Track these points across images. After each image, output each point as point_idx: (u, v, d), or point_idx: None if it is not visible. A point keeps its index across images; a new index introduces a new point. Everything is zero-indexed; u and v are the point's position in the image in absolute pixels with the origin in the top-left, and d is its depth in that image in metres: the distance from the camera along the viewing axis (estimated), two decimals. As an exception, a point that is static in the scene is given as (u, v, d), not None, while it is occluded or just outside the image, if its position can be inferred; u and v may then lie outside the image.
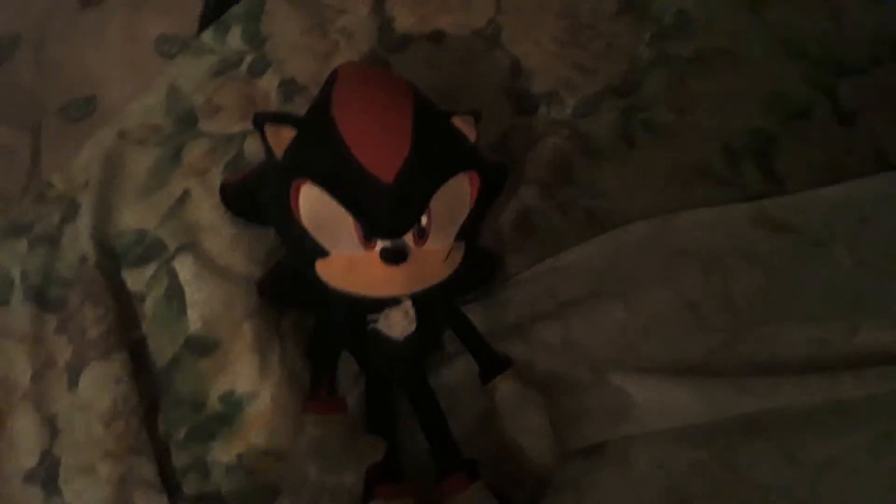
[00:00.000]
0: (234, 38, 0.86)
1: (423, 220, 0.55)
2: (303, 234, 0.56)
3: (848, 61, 0.89)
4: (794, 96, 0.85)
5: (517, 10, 0.89)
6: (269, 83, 0.83)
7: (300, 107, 0.80)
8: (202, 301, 0.69)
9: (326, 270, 0.57)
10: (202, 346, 0.68)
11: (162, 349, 0.69)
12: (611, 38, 0.88)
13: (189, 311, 0.69)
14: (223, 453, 0.65)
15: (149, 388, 0.67)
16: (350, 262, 0.56)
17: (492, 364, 0.63)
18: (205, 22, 0.89)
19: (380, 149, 0.55)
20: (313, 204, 0.55)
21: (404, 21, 0.88)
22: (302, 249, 0.57)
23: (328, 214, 0.54)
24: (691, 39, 0.89)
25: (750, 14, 0.92)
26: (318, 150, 0.56)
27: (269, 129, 0.58)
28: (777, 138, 0.82)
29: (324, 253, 0.56)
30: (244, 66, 0.84)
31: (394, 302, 0.60)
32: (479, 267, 0.71)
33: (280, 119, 0.59)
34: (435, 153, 0.57)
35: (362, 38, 0.86)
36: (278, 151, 0.58)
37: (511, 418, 0.61)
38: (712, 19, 0.91)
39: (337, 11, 0.88)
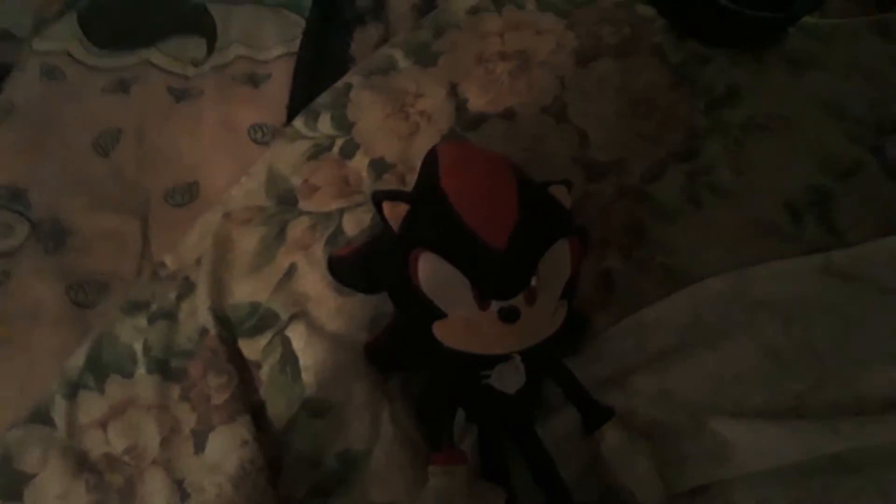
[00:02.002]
0: (325, 124, 0.94)
1: (533, 282, 0.60)
2: (422, 298, 0.61)
3: (888, 121, 0.95)
4: (842, 155, 0.91)
5: (579, 88, 0.96)
6: (359, 163, 0.90)
7: (390, 183, 0.87)
8: (315, 366, 0.75)
9: (444, 331, 0.61)
10: (317, 408, 0.73)
11: (280, 412, 0.74)
12: (668, 109, 0.95)
13: (303, 376, 0.74)
14: (342, 509, 0.68)
15: (269, 450, 0.72)
16: (467, 322, 0.60)
17: (595, 413, 0.67)
18: (291, 111, 0.97)
19: (491, 218, 0.60)
20: (432, 270, 0.60)
21: (477, 102, 0.95)
22: (420, 313, 0.62)
23: (446, 279, 0.59)
24: (743, 106, 0.95)
25: (792, 80, 0.99)
26: (434, 222, 0.62)
27: (387, 205, 0.64)
28: (833, 194, 0.87)
29: (441, 315, 0.60)
30: (335, 149, 0.92)
31: (504, 358, 0.65)
32: (571, 325, 0.75)
33: (395, 196, 0.65)
34: (540, 220, 0.62)
35: (441, 118, 0.93)
36: (395, 225, 0.64)
37: (619, 464, 0.65)
38: (759, 87, 0.98)
39: (415, 96, 0.96)
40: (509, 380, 0.65)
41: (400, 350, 0.73)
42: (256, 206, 0.87)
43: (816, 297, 0.77)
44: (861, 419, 0.69)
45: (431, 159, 0.69)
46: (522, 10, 1.04)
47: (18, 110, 1.00)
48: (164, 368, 0.77)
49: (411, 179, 0.86)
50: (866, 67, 1.01)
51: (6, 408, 0.77)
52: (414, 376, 0.75)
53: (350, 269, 0.75)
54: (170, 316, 0.80)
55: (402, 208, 0.63)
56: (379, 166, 0.89)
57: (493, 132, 0.92)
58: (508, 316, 0.59)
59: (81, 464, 0.72)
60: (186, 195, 0.92)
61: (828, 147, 0.92)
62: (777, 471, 0.67)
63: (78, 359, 0.78)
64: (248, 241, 0.84)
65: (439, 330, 0.61)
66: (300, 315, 0.78)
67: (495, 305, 0.59)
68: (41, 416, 0.75)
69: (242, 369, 0.76)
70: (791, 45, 1.03)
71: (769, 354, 0.73)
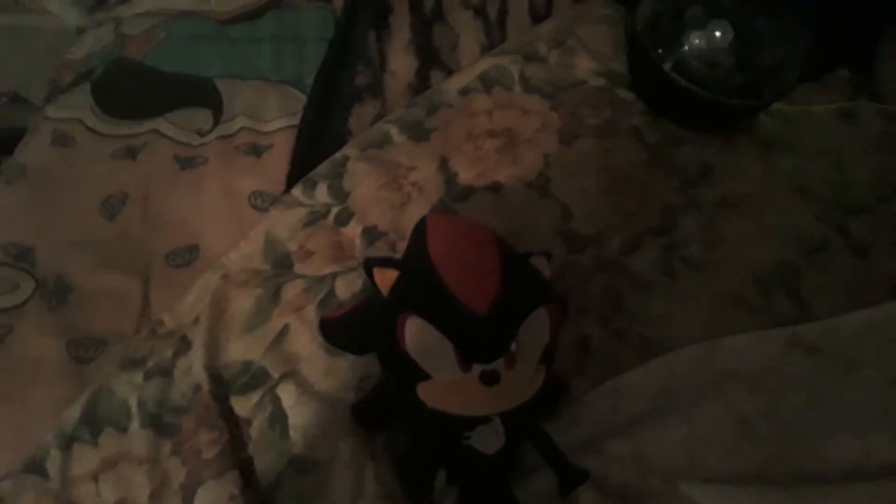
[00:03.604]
0: (321, 193, 0.99)
1: (513, 347, 0.64)
2: (407, 360, 0.64)
3: (854, 202, 1.01)
4: (810, 232, 0.97)
5: (562, 164, 1.02)
6: (353, 230, 0.95)
7: (382, 250, 0.92)
8: (303, 424, 0.78)
9: (427, 392, 0.65)
10: (304, 466, 0.76)
11: (267, 468, 0.76)
12: (645, 186, 1.00)
13: (291, 434, 0.77)
14: (326, 565, 0.70)
15: (256, 505, 0.74)
16: (450, 384, 0.64)
17: (570, 476, 0.71)
18: (291, 180, 1.02)
19: (474, 286, 0.64)
20: (418, 334, 0.63)
21: (466, 175, 1.01)
22: (405, 374, 0.65)
23: (431, 343, 0.63)
24: (715, 185, 1.01)
25: (762, 162, 1.05)
26: (421, 289, 0.66)
27: (377, 271, 0.68)
28: (800, 270, 0.93)
29: (426, 377, 0.64)
30: (331, 217, 0.96)
31: (484, 420, 0.68)
32: (550, 389, 0.79)
33: (385, 263, 0.69)
34: (520, 289, 0.66)
35: (431, 190, 0.99)
36: (384, 290, 0.68)
37: (593, 526, 0.68)
38: (731, 167, 1.04)
39: (408, 168, 1.01)
40: (489, 441, 0.69)
41: (386, 409, 0.77)
42: (253, 268, 0.91)
43: (782, 367, 0.81)
44: (826, 487, 0.72)
45: (421, 229, 0.73)
46: (510, 92, 1.10)
47: (30, 173, 1.05)
48: (158, 423, 0.79)
49: (402, 247, 0.91)
50: (833, 151, 1.08)
51: (2, 461, 0.79)
52: (399, 436, 0.78)
53: (340, 331, 0.79)
54: (165, 373, 0.83)
55: (392, 275, 0.68)
56: (372, 234, 0.94)
57: (480, 204, 0.98)
58: (489, 379, 0.62)
59: (72, 515, 0.74)
60: (187, 257, 0.96)
61: (796, 225, 0.98)
62: (745, 536, 0.70)
63: (74, 412, 0.80)
64: (244, 302, 0.88)
65: (423, 391, 0.65)
66: (291, 374, 0.81)
67: (477, 369, 0.63)
68: (35, 467, 0.77)
69: (233, 425, 0.79)
70: (762, 130, 1.10)
71: (737, 422, 0.77)
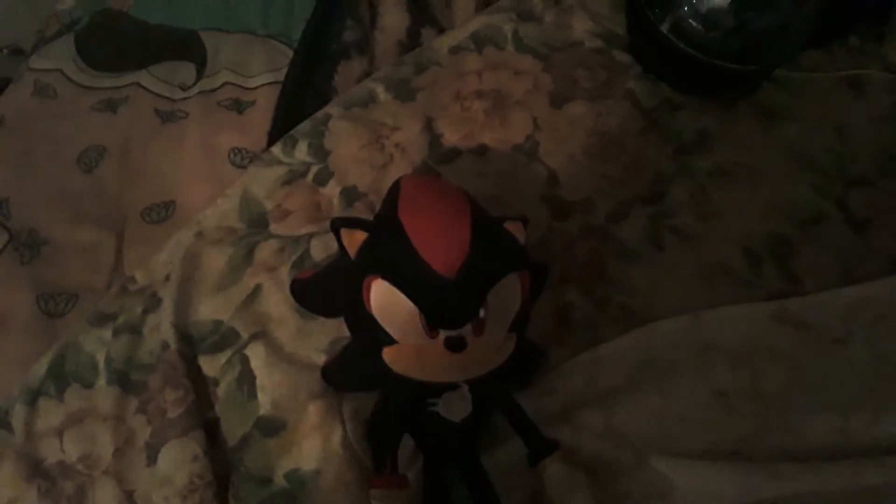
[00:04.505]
0: (301, 152, 0.96)
1: (481, 313, 0.62)
2: (373, 324, 0.63)
3: (855, 173, 0.97)
4: (806, 204, 0.94)
5: (552, 128, 0.99)
6: (332, 191, 0.92)
7: (360, 211, 0.89)
8: (271, 385, 0.76)
9: (393, 357, 0.63)
10: (270, 427, 0.74)
11: (233, 429, 0.75)
12: (637, 153, 0.97)
13: (259, 395, 0.76)
14: (288, 528, 0.69)
15: (220, 465, 0.73)
16: (415, 350, 0.62)
17: (540, 446, 0.69)
18: (272, 137, 1.00)
19: (443, 250, 0.62)
20: (383, 298, 0.62)
21: (451, 137, 0.98)
22: (371, 338, 0.64)
23: (397, 307, 0.61)
24: (711, 153, 0.98)
25: (762, 130, 1.02)
26: (388, 251, 0.64)
27: (345, 232, 0.66)
28: (792, 242, 0.90)
29: (391, 341, 0.62)
30: (310, 176, 0.94)
31: (451, 387, 0.66)
32: (526, 357, 0.77)
33: (353, 223, 0.67)
34: (491, 254, 0.64)
35: (414, 151, 0.96)
36: (352, 251, 0.66)
37: (559, 498, 0.67)
38: (728, 135, 1.00)
39: (391, 129, 0.98)
40: (456, 408, 0.67)
41: (354, 373, 0.75)
42: (228, 226, 0.89)
43: (767, 342, 0.79)
44: (802, 465, 0.70)
45: (394, 190, 0.71)
46: (502, 52, 1.07)
47: (8, 123, 1.03)
48: (124, 380, 0.78)
49: (381, 209, 0.89)
50: (836, 121, 1.04)
51: (-33, 412, 0.78)
52: (367, 400, 0.76)
53: (310, 293, 0.78)
54: (134, 329, 0.82)
55: (360, 236, 0.66)
56: (351, 194, 0.91)
57: (464, 167, 0.95)
58: (455, 345, 0.61)
59: (35, 469, 0.74)
60: (163, 213, 0.94)
61: (792, 196, 0.94)
62: (717, 512, 0.68)
63: (41, 366, 0.79)
64: (216, 261, 0.86)
65: (389, 355, 0.63)
66: (260, 335, 0.80)
67: (443, 334, 0.61)
68: (-1, 421, 0.77)
69: (200, 385, 0.77)
70: (763, 97, 1.06)
71: (715, 397, 0.75)
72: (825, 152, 1.00)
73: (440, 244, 0.63)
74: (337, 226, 0.66)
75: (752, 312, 0.82)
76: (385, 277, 0.61)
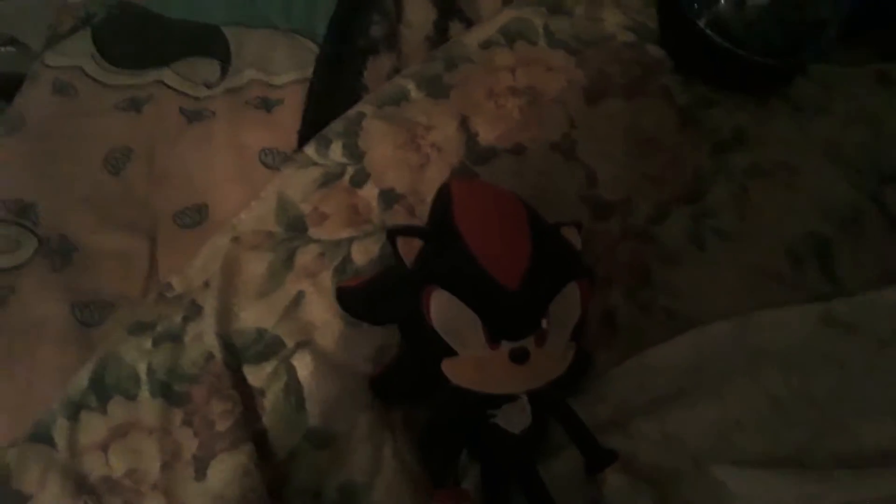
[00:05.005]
0: (336, 152, 0.94)
1: (544, 323, 0.61)
2: (432, 335, 0.61)
3: (889, 169, 0.97)
4: (843, 202, 0.93)
5: (589, 126, 0.97)
6: (369, 193, 0.90)
7: (400, 214, 0.88)
8: (319, 395, 0.75)
9: (453, 369, 0.62)
10: (320, 439, 0.73)
11: (282, 441, 0.74)
12: (674, 150, 0.96)
13: (307, 405, 0.75)
14: (342, 541, 0.68)
15: (269, 479, 0.71)
16: (477, 361, 0.61)
17: (597, 456, 0.68)
18: (303, 137, 0.98)
19: (504, 259, 0.61)
20: (444, 308, 0.60)
21: (487, 136, 0.96)
22: (430, 349, 0.62)
23: (458, 318, 0.60)
24: (747, 151, 0.97)
25: (796, 126, 1.01)
26: (447, 260, 0.63)
27: (401, 241, 0.65)
28: (833, 242, 0.89)
29: (451, 353, 0.61)
30: (346, 178, 0.92)
31: (510, 398, 0.66)
32: (576, 364, 0.76)
33: (409, 231, 0.66)
34: (552, 263, 0.63)
35: (451, 151, 0.94)
36: (408, 261, 0.65)
37: (621, 508, 0.66)
38: (763, 132, 0.99)
39: (426, 128, 0.96)
40: (515, 420, 0.66)
41: (406, 384, 0.74)
42: (266, 231, 0.87)
43: (816, 346, 0.78)
44: (861, 471, 0.69)
45: (445, 196, 0.70)
46: (534, 46, 1.05)
47: (30, 124, 1.00)
48: (168, 392, 0.76)
49: (421, 211, 0.88)
50: (868, 115, 1.03)
51: (6, 425, 0.76)
52: (418, 410, 0.75)
53: (359, 301, 0.76)
54: (175, 338, 0.80)
55: (416, 244, 0.65)
56: (389, 197, 0.90)
57: (502, 167, 0.93)
58: (519, 357, 0.60)
59: (80, 485, 0.72)
60: (196, 217, 0.92)
61: (829, 194, 0.94)
62: (777, 520, 0.68)
63: (81, 378, 0.77)
64: (256, 267, 0.84)
65: (448, 367, 0.62)
66: (306, 343, 0.78)
67: (506, 346, 0.60)
68: (42, 436, 0.74)
69: (246, 396, 0.76)
70: (795, 91, 1.05)
71: (770, 402, 0.74)
72: (858, 148, 0.99)
73: (501, 253, 0.62)
74: (393, 234, 0.65)
75: (799, 315, 0.81)
76: (445, 287, 0.60)
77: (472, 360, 0.61)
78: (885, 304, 0.82)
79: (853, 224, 0.91)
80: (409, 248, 0.65)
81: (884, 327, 0.80)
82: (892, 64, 1.09)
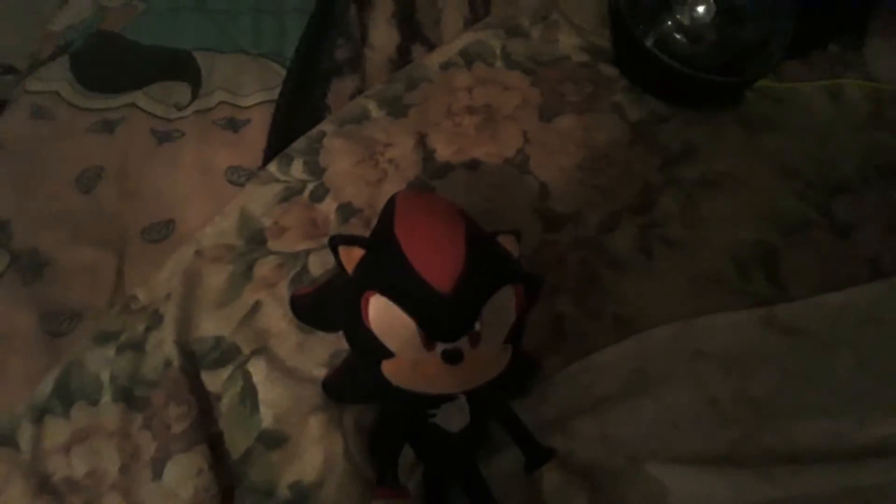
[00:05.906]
0: (297, 169, 0.98)
1: (477, 326, 0.63)
2: (371, 338, 0.64)
3: (837, 181, 1.00)
4: (791, 212, 0.96)
5: (542, 142, 1.01)
6: (328, 207, 0.94)
7: (356, 227, 0.91)
8: (273, 399, 0.78)
9: (391, 370, 0.65)
10: (273, 440, 0.76)
11: (237, 443, 0.77)
12: (626, 165, 1.00)
13: (261, 409, 0.78)
14: (293, 539, 0.71)
15: (225, 479, 0.74)
16: (413, 362, 0.64)
17: (536, 455, 0.71)
18: (268, 155, 1.01)
19: (438, 265, 0.64)
20: (381, 312, 0.63)
21: (444, 152, 1.00)
22: (370, 351, 0.65)
23: (394, 321, 0.63)
24: (697, 164, 1.00)
25: (746, 140, 1.04)
26: (385, 267, 0.65)
27: (343, 250, 0.67)
28: (778, 250, 0.92)
29: (389, 354, 0.64)
30: (306, 193, 0.96)
31: (449, 398, 0.68)
32: (521, 367, 0.79)
33: (351, 241, 0.69)
34: (485, 268, 0.66)
35: (408, 167, 0.98)
36: (349, 268, 0.67)
37: (556, 504, 0.68)
38: (714, 146, 1.03)
39: (385, 145, 1.00)
40: (454, 419, 0.69)
41: (356, 384, 0.77)
42: (227, 244, 0.91)
43: (756, 348, 0.81)
44: (794, 468, 0.72)
45: (390, 207, 0.73)
46: (491, 68, 1.09)
47: (6, 146, 1.04)
48: (129, 397, 0.80)
49: (377, 224, 0.91)
50: (818, 130, 1.07)
51: (-27, 432, 0.79)
52: (368, 412, 0.78)
53: (309, 308, 0.79)
54: (137, 347, 0.83)
55: (357, 253, 0.67)
56: (347, 211, 0.93)
57: (457, 181, 0.97)
58: (452, 357, 0.62)
59: (43, 486, 0.75)
60: (163, 232, 0.95)
61: (777, 205, 0.97)
62: (710, 516, 0.70)
63: (47, 385, 0.80)
64: (216, 278, 0.88)
65: (387, 369, 0.65)
66: (262, 350, 0.81)
67: (440, 347, 0.62)
68: (6, 439, 0.78)
69: (203, 400, 0.79)
70: (747, 107, 1.09)
71: (707, 402, 0.77)
72: (808, 161, 1.03)
73: (435, 259, 0.64)
74: (335, 243, 0.68)
75: (742, 319, 0.84)
76: (382, 293, 0.63)
77: (409, 362, 0.64)
78: (827, 309, 0.85)
79: (799, 233, 0.94)
80: (350, 257, 0.67)
81: (824, 331, 0.83)
82: (842, 80, 1.13)
